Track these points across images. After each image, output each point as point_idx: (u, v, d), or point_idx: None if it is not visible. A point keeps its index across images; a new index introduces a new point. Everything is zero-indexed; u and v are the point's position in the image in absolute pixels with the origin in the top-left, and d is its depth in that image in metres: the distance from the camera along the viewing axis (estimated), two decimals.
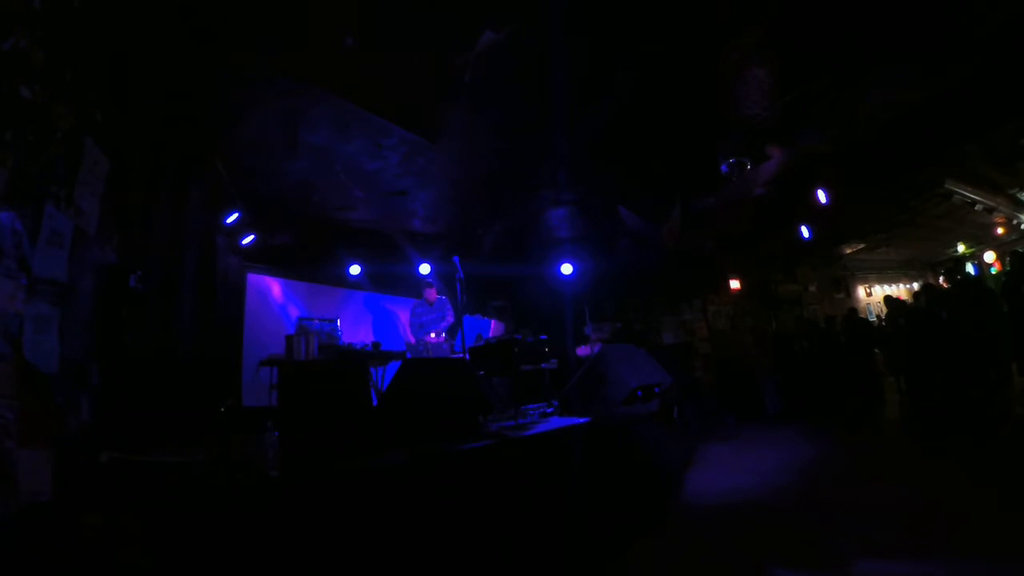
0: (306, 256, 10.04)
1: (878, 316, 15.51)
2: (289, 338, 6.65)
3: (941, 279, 14.29)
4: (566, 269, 11.53)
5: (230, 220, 7.77)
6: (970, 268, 15.69)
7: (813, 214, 11.03)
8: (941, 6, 6.11)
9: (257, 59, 5.63)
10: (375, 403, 6.85)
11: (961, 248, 16.73)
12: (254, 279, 9.47)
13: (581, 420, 6.23)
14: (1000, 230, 15.27)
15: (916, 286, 16.73)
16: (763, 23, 6.19)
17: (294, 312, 9.74)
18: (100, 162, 4.32)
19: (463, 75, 6.58)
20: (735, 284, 13.08)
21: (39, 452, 3.22)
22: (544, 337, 8.75)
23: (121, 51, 4.49)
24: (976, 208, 13.34)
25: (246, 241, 8.39)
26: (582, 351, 10.50)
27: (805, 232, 11.76)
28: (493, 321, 11.17)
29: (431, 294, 9.15)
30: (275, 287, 9.88)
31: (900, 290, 17.98)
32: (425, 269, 10.66)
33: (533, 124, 7.69)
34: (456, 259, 7.59)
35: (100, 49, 4.18)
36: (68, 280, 3.87)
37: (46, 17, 3.33)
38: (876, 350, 12.70)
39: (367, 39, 5.80)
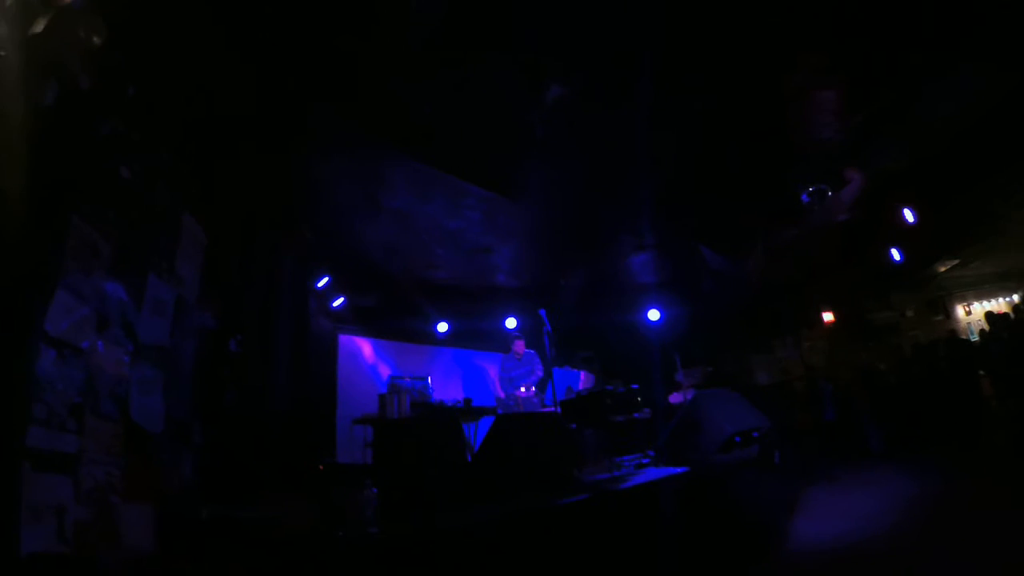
0: (394, 315, 10.31)
1: (980, 334, 14.34)
2: (382, 396, 6.75)
3: None
4: (653, 315, 11.32)
5: (320, 284, 8.13)
6: None
7: (901, 235, 10.53)
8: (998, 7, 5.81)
9: (339, 130, 5.94)
10: (469, 459, 6.84)
11: None
12: (345, 340, 9.79)
13: (678, 470, 6.04)
14: None
15: (1016, 298, 15.36)
16: (822, 44, 6.06)
17: (385, 371, 9.94)
18: (198, 234, 4.63)
19: (535, 130, 6.70)
20: (828, 316, 12.46)
21: (143, 507, 3.38)
22: (635, 387, 8.56)
23: (211, 131, 4.84)
24: None
25: (336, 304, 8.74)
26: (675, 398, 10.18)
27: (895, 255, 11.17)
28: (583, 373, 11.01)
29: (519, 347, 9.14)
30: (366, 347, 10.17)
31: (1001, 304, 16.60)
32: (511, 323, 10.71)
33: (607, 172, 7.72)
34: (542, 312, 7.61)
35: (192, 130, 4.52)
36: (171, 345, 4.13)
37: (139, 103, 3.64)
38: (981, 372, 11.69)
39: (440, 104, 6.03)
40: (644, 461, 7.15)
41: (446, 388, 10.38)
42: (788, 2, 5.52)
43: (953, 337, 12.58)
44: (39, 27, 2.61)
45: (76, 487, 2.83)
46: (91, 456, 3.00)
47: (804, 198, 8.67)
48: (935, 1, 5.69)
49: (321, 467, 6.60)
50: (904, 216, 9.59)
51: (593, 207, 8.56)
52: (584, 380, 10.41)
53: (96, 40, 2.89)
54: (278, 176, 6.24)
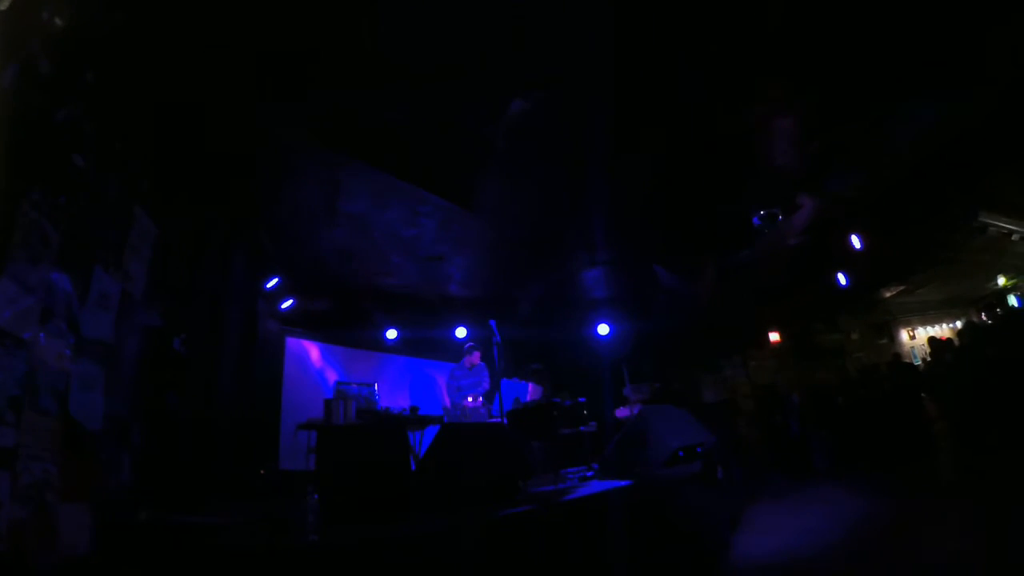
0: (344, 320, 10.19)
1: (923, 359, 14.96)
2: (327, 402, 6.67)
3: (983, 314, 13.81)
4: (603, 330, 11.46)
5: (270, 285, 7.97)
6: (1013, 300, 15.09)
7: (849, 260, 10.88)
8: (958, 45, 6.14)
9: (299, 131, 5.88)
10: (413, 468, 6.79)
11: (1002, 281, 16.14)
12: (293, 343, 9.62)
13: (622, 483, 6.09)
14: None
15: (959, 324, 16.12)
16: (784, 74, 6.29)
17: (332, 376, 9.81)
18: (147, 229, 4.52)
19: (495, 142, 6.75)
20: (775, 337, 12.83)
21: (80, 507, 3.27)
22: (583, 400, 8.64)
23: (168, 124, 4.74)
24: (1013, 239, 12.94)
25: (285, 306, 8.59)
26: (621, 413, 10.30)
27: (842, 279, 11.54)
28: (531, 384, 11.06)
29: (474, 359, 9.12)
30: (313, 351, 10.01)
31: (944, 330, 17.40)
32: (461, 333, 10.70)
33: (565, 187, 7.83)
34: (493, 323, 7.62)
35: (148, 122, 4.42)
36: (114, 341, 4.01)
37: (97, 90, 3.55)
38: (923, 395, 12.21)
39: (402, 112, 6.03)
40: (589, 474, 7.20)
41: (393, 396, 10.29)
42: (747, 32, 5.72)
43: (897, 360, 13.08)
44: (3, 5, 2.53)
45: (12, 483, 2.73)
46: (28, 451, 2.89)
47: (756, 221, 8.93)
48: (892, 35, 5.96)
49: (263, 472, 6.48)
50: (852, 242, 9.95)
51: (548, 221, 8.65)
52: (532, 392, 10.45)
53: (59, 22, 2.82)
54: (233, 174, 6.13)
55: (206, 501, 4.96)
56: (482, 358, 9.14)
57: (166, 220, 4.77)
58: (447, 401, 9.19)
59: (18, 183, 2.85)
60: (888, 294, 15.89)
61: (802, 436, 11.61)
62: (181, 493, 4.73)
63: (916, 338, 17.56)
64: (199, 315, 5.96)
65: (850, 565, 5.08)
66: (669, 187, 8.08)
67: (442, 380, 10.48)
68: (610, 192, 7.89)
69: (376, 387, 7.83)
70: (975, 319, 15.22)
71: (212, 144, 5.51)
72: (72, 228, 3.39)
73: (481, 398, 8.81)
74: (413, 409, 7.90)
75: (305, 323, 9.77)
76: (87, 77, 3.43)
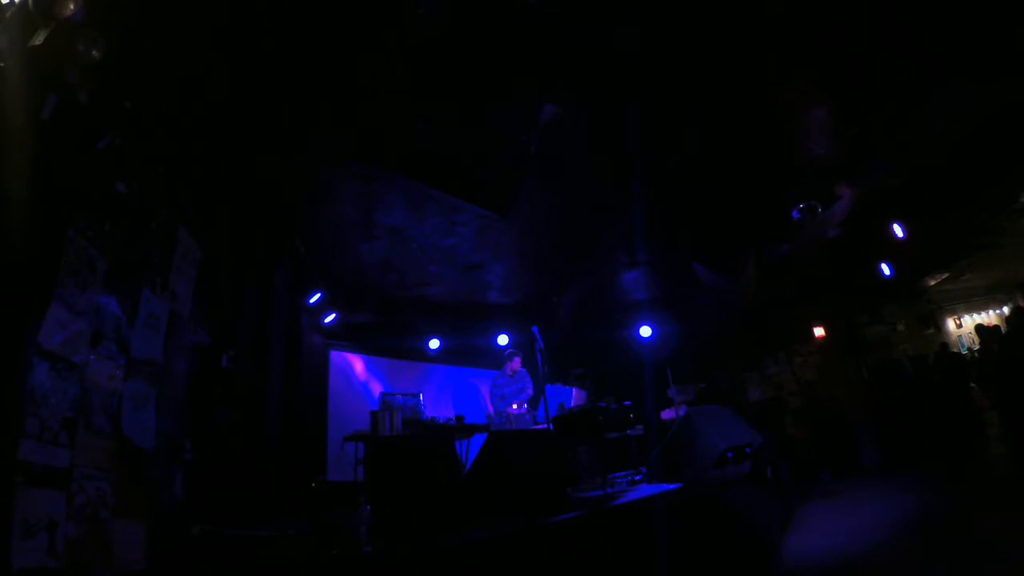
0: (386, 332, 10.29)
1: (970, 348, 14.43)
2: (374, 413, 6.71)
3: None
4: (645, 332, 11.33)
5: (313, 300, 8.08)
6: None
7: (892, 250, 10.60)
8: (989, 23, 5.91)
9: (334, 149, 5.96)
10: (462, 477, 6.79)
11: None
12: (337, 356, 9.75)
13: (671, 487, 6.00)
14: None
15: (1007, 310, 15.50)
16: (815, 61, 6.14)
17: (376, 388, 9.90)
18: (192, 250, 4.63)
19: (529, 148, 6.74)
20: (820, 332, 12.54)
21: (134, 523, 3.34)
22: (628, 403, 8.54)
23: (207, 147, 4.85)
24: None
25: (328, 320, 8.71)
26: (667, 415, 10.15)
27: (886, 269, 11.25)
28: (575, 390, 11.01)
29: (516, 364, 9.09)
30: (357, 364, 10.13)
31: (991, 317, 16.76)
32: (503, 340, 10.69)
33: (601, 189, 7.77)
34: (535, 329, 7.58)
35: (188, 146, 4.53)
36: (164, 360, 4.11)
37: (137, 117, 3.65)
38: (973, 384, 11.77)
39: (434, 122, 6.06)
40: (637, 478, 7.10)
41: (438, 405, 10.35)
42: (781, 19, 5.60)
43: (944, 350, 12.65)
44: (39, 39, 2.62)
45: (68, 502, 2.80)
46: (83, 471, 2.97)
47: (795, 214, 8.73)
48: (927, 18, 5.78)
49: (313, 485, 6.55)
50: (894, 231, 9.67)
51: (585, 224, 8.60)
52: (576, 397, 10.40)
53: (95, 54, 2.90)
54: (273, 192, 6.25)
55: (257, 514, 5.04)
56: (524, 364, 9.11)
57: (209, 239, 4.88)
58: (490, 409, 9.17)
59: (62, 211, 2.95)
60: (932, 282, 15.41)
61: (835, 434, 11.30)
62: (232, 507, 4.81)
63: (963, 326, 16.99)
64: (245, 332, 6.07)
65: (902, 564, 4.92)
66: (706, 185, 7.95)
67: (485, 389, 10.48)
68: (647, 192, 7.80)
69: (421, 397, 7.85)
70: (1022, 303, 14.63)
71: (252, 167, 5.63)
72: (118, 252, 3.50)
73: (526, 405, 8.78)
74: (459, 418, 7.90)
75: (348, 336, 9.89)
76: (126, 105, 3.53)
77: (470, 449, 7.84)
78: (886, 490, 8.45)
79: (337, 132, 5.76)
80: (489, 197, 7.33)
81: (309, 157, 5.96)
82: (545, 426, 7.40)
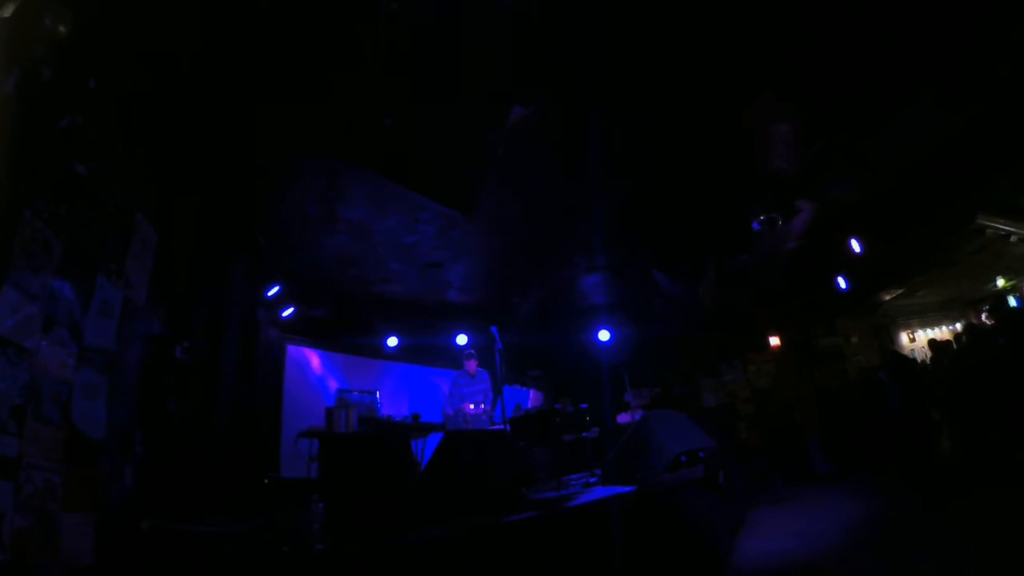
0: (344, 328, 10.18)
1: (922, 362, 15.00)
2: (329, 410, 6.61)
3: (984, 316, 13.82)
4: (603, 335, 11.45)
5: (271, 293, 7.96)
6: (1012, 301, 15.09)
7: (848, 264, 10.90)
8: (954, 47, 6.16)
9: (298, 141, 5.87)
10: (416, 476, 6.76)
11: (1001, 282, 16.16)
12: (293, 351, 9.59)
13: (625, 489, 6.06)
14: None
15: (959, 326, 16.13)
16: (780, 80, 6.31)
17: (333, 384, 9.76)
18: (149, 237, 4.51)
19: (496, 149, 6.75)
20: (775, 341, 12.87)
21: (83, 516, 3.24)
22: (584, 406, 8.61)
23: (169, 132, 4.73)
24: (1011, 240, 12.98)
25: (286, 314, 8.58)
26: (623, 418, 10.29)
27: (842, 283, 11.57)
28: (532, 391, 11.06)
29: (472, 366, 9.09)
30: (314, 359, 9.99)
31: (943, 332, 17.41)
32: (462, 340, 10.67)
33: (564, 193, 7.83)
34: (494, 329, 7.60)
35: (150, 129, 4.41)
36: (116, 349, 3.99)
37: (99, 97, 3.54)
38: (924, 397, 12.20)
39: (403, 119, 6.03)
40: (592, 480, 7.18)
41: (394, 403, 10.25)
42: (745, 37, 5.73)
43: (895, 355, 13.03)
44: (6, 12, 2.52)
45: (15, 493, 2.70)
46: (31, 461, 2.87)
47: (755, 226, 8.94)
48: (890, 41, 5.98)
49: (266, 480, 6.45)
50: (851, 246, 9.97)
51: (546, 227, 8.65)
52: (534, 398, 10.44)
53: (62, 29, 2.81)
54: (234, 181, 6.12)
55: (209, 509, 4.93)
56: (482, 365, 9.11)
57: (167, 227, 4.76)
58: (448, 408, 9.14)
59: (20, 191, 2.84)
60: (887, 297, 15.91)
61: (789, 442, 11.58)
62: (183, 501, 4.70)
63: (916, 340, 17.57)
64: (200, 323, 5.94)
65: (848, 567, 5.07)
66: (668, 193, 8.08)
67: (444, 387, 10.45)
68: (609, 198, 7.89)
69: (378, 395, 7.79)
70: (974, 320, 15.22)
71: (213, 154, 5.51)
72: (74, 236, 3.38)
73: (483, 405, 8.78)
74: (415, 417, 7.87)
75: (306, 331, 9.75)
76: (89, 83, 3.42)
77: (426, 448, 7.80)
78: (836, 495, 8.63)
79: (305, 124, 5.67)
80: (454, 196, 7.31)
81: (274, 146, 5.86)
82: (501, 427, 7.42)
